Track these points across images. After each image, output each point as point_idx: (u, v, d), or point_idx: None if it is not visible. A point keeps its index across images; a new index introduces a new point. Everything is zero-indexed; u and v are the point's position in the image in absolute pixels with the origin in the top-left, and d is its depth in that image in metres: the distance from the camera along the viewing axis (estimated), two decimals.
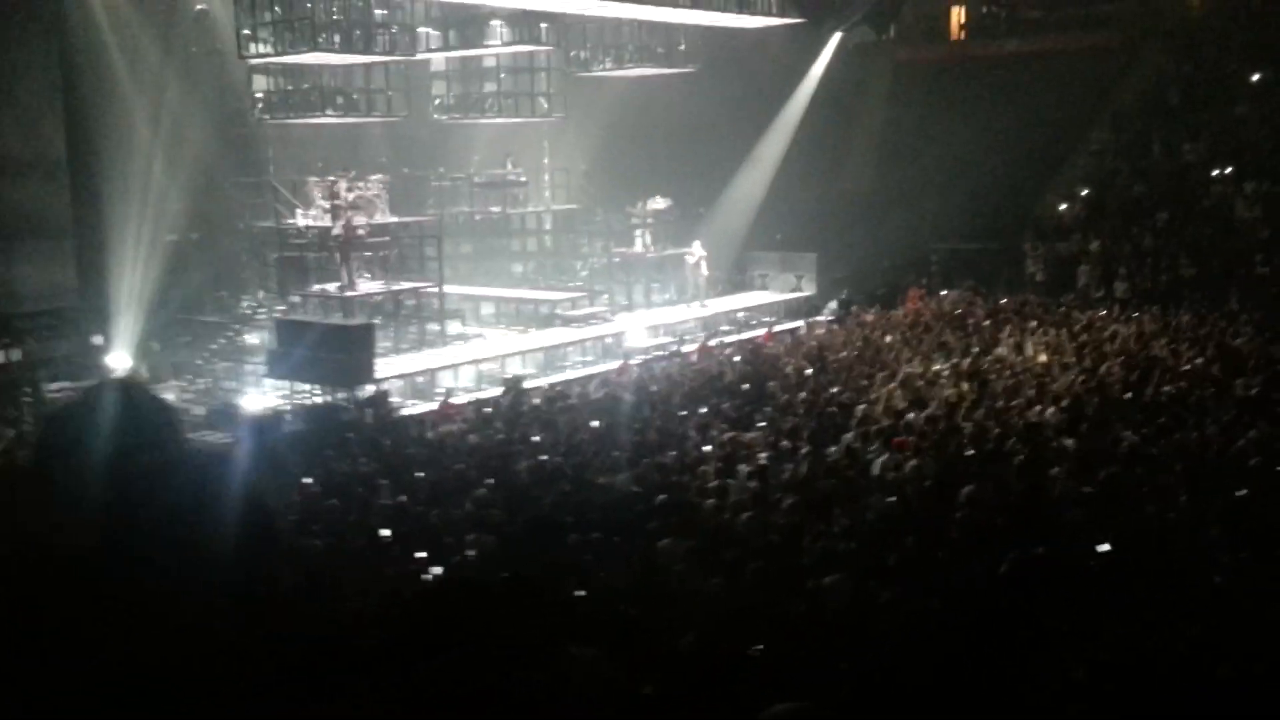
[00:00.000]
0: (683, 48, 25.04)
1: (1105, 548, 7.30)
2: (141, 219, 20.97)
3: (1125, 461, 10.07)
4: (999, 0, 29.20)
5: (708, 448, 11.90)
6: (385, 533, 9.44)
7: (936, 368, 14.91)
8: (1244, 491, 8.46)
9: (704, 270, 22.95)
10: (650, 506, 9.67)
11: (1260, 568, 7.09)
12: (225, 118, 23.11)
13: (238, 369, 18.66)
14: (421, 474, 12.06)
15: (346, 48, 21.05)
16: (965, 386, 13.41)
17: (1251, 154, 23.43)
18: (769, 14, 24.36)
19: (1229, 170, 23.37)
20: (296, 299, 21.15)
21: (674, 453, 11.71)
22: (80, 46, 21.19)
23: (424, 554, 8.64)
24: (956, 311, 19.64)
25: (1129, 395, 12.64)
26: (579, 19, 23.45)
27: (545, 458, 12.10)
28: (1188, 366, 13.86)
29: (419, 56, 23.05)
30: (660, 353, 19.68)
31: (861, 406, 12.93)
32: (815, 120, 26.84)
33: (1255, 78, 24.90)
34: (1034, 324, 17.97)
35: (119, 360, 19.34)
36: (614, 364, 19.02)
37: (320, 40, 20.06)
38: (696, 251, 23.00)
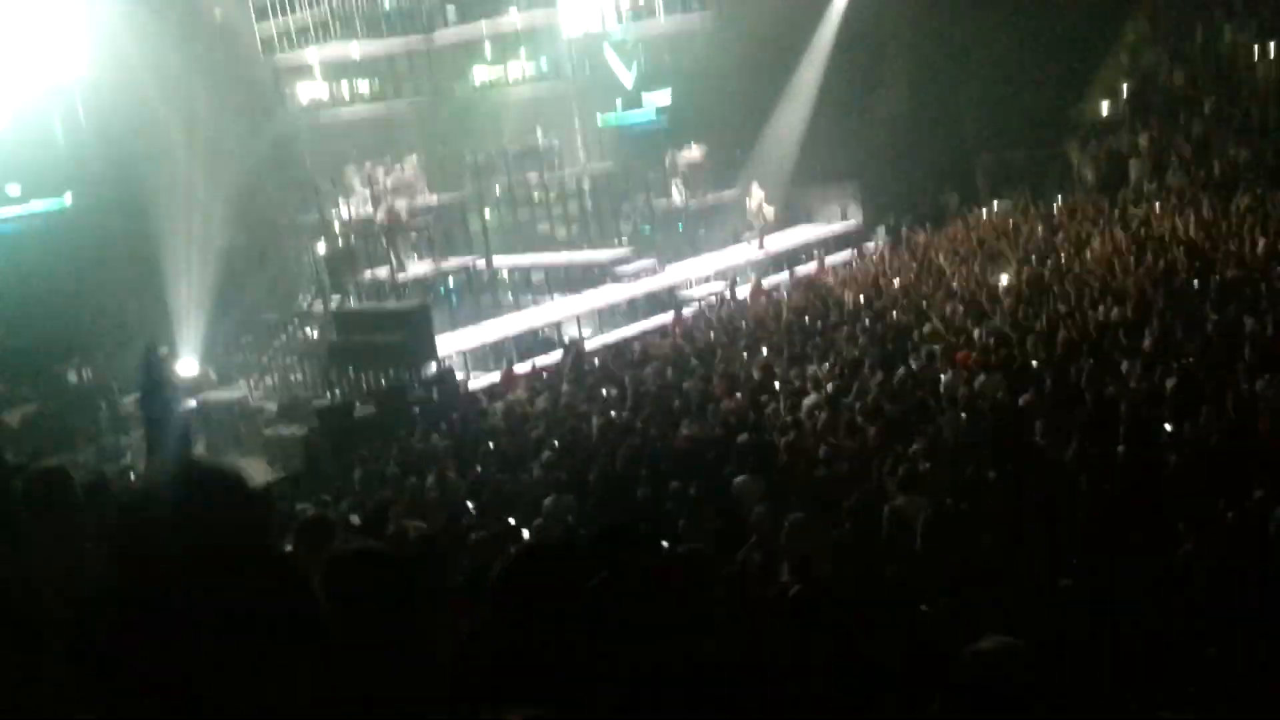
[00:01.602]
0: None
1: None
2: (189, 229, 21.30)
3: (1200, 353, 9.92)
4: None
5: (775, 385, 11.89)
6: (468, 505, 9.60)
7: (994, 280, 14.72)
8: None
9: (766, 213, 22.64)
10: (724, 450, 9.69)
11: None
12: (257, 120, 23.33)
13: (301, 363, 18.97)
14: (492, 444, 12.21)
15: (373, 33, 21.19)
16: (1026, 295, 13.25)
17: None
18: None
19: (1272, 47, 22.61)
20: (349, 288, 21.40)
21: (740, 395, 11.71)
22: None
23: (508, 521, 8.79)
24: (1009, 221, 19.34)
25: (1195, 284, 12.43)
26: None
27: (614, 414, 12.16)
28: (1252, 250, 13.53)
29: (442, 32, 23.12)
30: (714, 299, 19.63)
31: (924, 328, 12.83)
32: (845, 49, 26.38)
33: None
34: (1090, 225, 17.63)
35: (187, 367, 19.73)
36: (669, 316, 19.02)
37: (341, 29, 20.22)
38: (755, 194, 22.73)
